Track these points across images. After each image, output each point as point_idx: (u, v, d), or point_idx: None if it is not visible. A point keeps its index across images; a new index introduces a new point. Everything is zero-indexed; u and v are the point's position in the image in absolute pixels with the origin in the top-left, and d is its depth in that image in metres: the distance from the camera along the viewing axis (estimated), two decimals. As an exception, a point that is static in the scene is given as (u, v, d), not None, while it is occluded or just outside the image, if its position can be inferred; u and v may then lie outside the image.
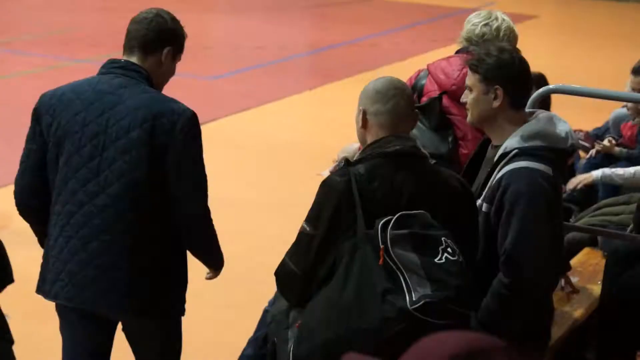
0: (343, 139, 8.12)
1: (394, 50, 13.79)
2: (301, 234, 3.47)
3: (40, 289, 3.81)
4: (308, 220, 3.45)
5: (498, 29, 4.70)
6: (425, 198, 3.41)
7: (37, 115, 3.72)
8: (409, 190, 3.41)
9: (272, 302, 4.43)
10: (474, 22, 4.74)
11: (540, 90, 4.40)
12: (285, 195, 7.75)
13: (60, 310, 3.85)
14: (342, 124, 8.41)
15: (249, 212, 7.51)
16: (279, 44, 13.82)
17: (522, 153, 3.69)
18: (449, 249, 3.30)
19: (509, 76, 3.73)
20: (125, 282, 3.64)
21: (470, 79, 3.80)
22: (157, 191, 3.63)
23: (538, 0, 18.66)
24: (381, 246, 3.26)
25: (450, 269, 3.27)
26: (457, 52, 4.80)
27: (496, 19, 4.74)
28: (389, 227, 3.28)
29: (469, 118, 3.86)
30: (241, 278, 6.29)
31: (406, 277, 3.24)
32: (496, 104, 3.75)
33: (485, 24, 4.70)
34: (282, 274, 3.53)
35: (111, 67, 3.76)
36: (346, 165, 3.46)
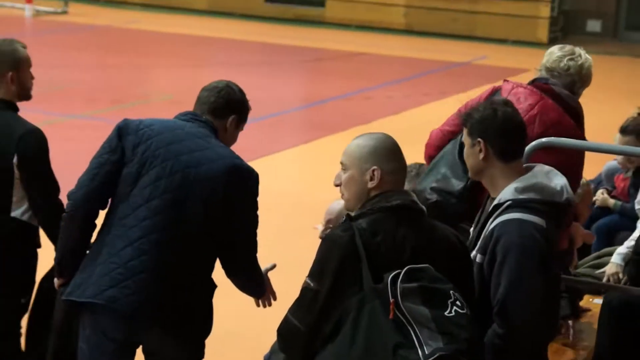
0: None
1: (387, 104, 13.87)
2: (305, 290, 3.45)
3: (74, 294, 3.96)
4: (311, 275, 3.44)
5: (582, 65, 4.85)
6: (426, 252, 3.44)
7: (121, 133, 4.03)
8: (410, 245, 3.44)
9: (268, 357, 4.43)
10: (558, 55, 4.86)
11: (532, 144, 4.43)
12: (283, 249, 7.75)
13: (96, 320, 3.94)
14: (337, 177, 8.43)
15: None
16: (274, 98, 13.90)
17: (515, 205, 3.72)
18: (457, 302, 3.33)
19: (489, 129, 3.79)
20: (183, 304, 3.95)
21: (463, 133, 3.89)
22: (221, 233, 4.00)
23: (528, 54, 18.80)
24: (391, 300, 3.28)
25: (460, 322, 3.30)
26: (535, 80, 4.86)
27: (580, 55, 4.88)
28: (399, 281, 3.29)
29: (469, 173, 3.94)
30: (236, 333, 6.28)
31: (417, 331, 3.26)
32: (481, 156, 3.81)
33: (571, 59, 4.84)
34: (285, 330, 3.51)
35: (193, 117, 4.14)
36: (348, 219, 3.48)
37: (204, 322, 4.05)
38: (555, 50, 4.92)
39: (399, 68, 17.27)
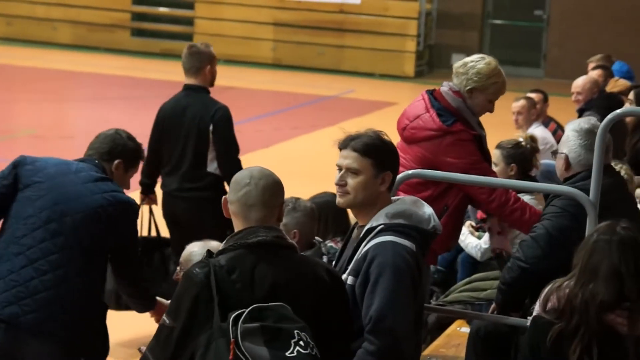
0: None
1: (257, 138, 13.86)
2: (162, 327, 3.45)
3: None
4: (168, 312, 3.45)
5: (470, 67, 5.16)
6: (286, 289, 3.43)
7: (17, 164, 4.45)
8: (269, 282, 3.42)
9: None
10: (464, 59, 5.23)
11: (400, 175, 4.48)
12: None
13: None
14: (206, 211, 8.35)
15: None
16: (141, 132, 13.67)
17: (387, 228, 3.81)
18: (301, 342, 3.31)
19: (395, 163, 3.96)
20: (79, 323, 4.32)
21: (363, 164, 3.92)
22: (99, 259, 4.42)
23: (395, 87, 19.12)
24: (232, 339, 3.26)
25: None
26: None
27: (475, 60, 5.20)
28: (240, 321, 3.29)
29: (353, 200, 3.99)
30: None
31: None
32: (383, 188, 3.89)
33: (463, 63, 5.20)
34: None
35: (84, 159, 4.58)
36: (208, 256, 3.47)
37: (97, 341, 4.41)
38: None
39: (267, 102, 17.31)
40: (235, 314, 3.30)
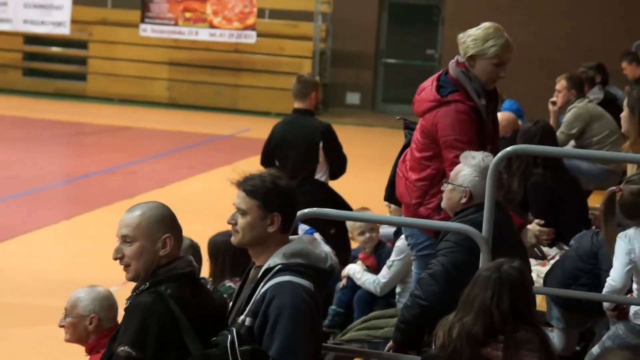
0: (101, 268, 7.92)
1: (152, 178, 13.75)
2: (128, 359, 3.48)
3: None
4: (131, 344, 3.47)
5: (465, 33, 5.31)
6: (216, 315, 3.68)
7: None
8: (207, 310, 3.63)
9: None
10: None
11: (298, 214, 4.49)
12: (39, 329, 7.47)
13: None
14: (100, 252, 8.23)
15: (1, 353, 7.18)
16: (33, 173, 13.50)
17: (285, 268, 3.83)
18: None
19: (287, 206, 4.01)
20: None
21: (249, 205, 3.99)
22: None
23: (292, 126, 19.19)
24: None
25: None
26: None
27: (475, 29, 5.31)
28: (237, 345, 3.49)
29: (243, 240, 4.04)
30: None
31: None
32: (272, 229, 3.93)
33: (466, 32, 5.30)
34: None
35: None
36: (153, 287, 3.58)
37: None
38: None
39: (163, 141, 17.19)
40: (229, 339, 3.50)
